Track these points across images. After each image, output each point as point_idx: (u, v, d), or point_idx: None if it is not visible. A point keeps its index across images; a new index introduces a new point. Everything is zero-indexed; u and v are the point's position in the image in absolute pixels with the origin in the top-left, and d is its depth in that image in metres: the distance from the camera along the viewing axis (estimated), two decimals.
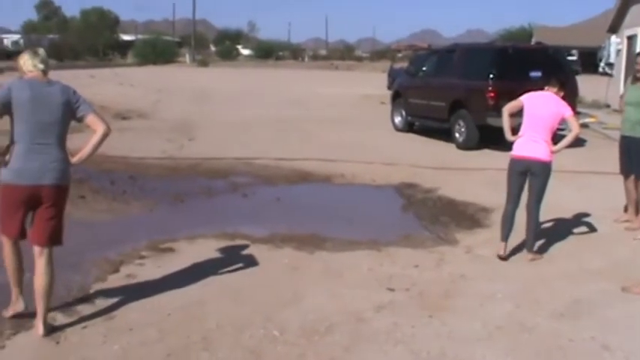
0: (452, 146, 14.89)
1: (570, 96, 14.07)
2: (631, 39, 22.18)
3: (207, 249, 7.04)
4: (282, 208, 9.39)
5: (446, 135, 15.42)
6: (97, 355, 4.57)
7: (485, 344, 4.90)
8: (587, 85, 19.43)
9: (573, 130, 6.90)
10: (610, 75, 23.50)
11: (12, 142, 4.77)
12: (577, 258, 7.04)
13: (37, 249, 4.88)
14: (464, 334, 5.07)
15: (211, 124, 18.64)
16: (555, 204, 8.27)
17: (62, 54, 70.86)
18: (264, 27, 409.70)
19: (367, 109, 22.99)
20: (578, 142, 14.55)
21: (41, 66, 4.92)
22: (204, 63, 72.77)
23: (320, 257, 6.93)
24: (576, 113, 14.45)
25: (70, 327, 4.98)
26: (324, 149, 13.90)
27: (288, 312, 5.41)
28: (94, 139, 4.93)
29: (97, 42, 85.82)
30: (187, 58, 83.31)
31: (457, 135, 14.95)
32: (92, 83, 29.96)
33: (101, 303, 5.46)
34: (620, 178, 8.59)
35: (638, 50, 17.14)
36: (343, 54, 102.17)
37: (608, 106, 22.09)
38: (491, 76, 14.17)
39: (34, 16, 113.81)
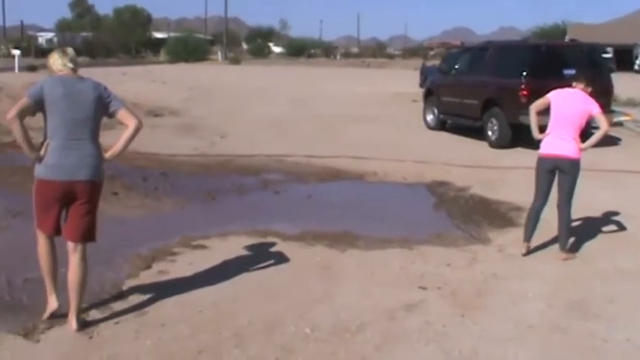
0: (484, 144, 14.77)
1: (605, 94, 14.02)
2: None
3: (238, 246, 7.06)
4: (313, 205, 9.41)
5: (478, 133, 15.29)
6: (129, 350, 4.62)
7: (517, 344, 4.85)
8: (622, 83, 19.17)
9: (602, 127, 6.76)
10: None
11: (46, 138, 4.82)
12: (611, 257, 6.93)
13: (71, 245, 4.93)
14: (496, 333, 5.03)
15: (242, 121, 18.72)
16: (588, 203, 8.17)
17: (95, 52, 71.69)
18: (296, 25, 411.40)
19: (399, 107, 22.88)
20: (612, 141, 14.43)
21: (70, 65, 4.97)
22: (236, 61, 72.90)
23: (352, 255, 6.91)
24: (611, 111, 14.36)
25: (102, 322, 5.04)
26: (355, 147, 13.86)
27: (319, 310, 5.41)
28: (127, 133, 4.96)
29: (130, 40, 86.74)
30: (219, 55, 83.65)
31: (490, 133, 14.83)
32: (124, 80, 30.25)
33: (133, 299, 5.52)
34: None
35: None
36: (375, 52, 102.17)
37: None
38: (524, 74, 14.02)
39: (67, 14, 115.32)
